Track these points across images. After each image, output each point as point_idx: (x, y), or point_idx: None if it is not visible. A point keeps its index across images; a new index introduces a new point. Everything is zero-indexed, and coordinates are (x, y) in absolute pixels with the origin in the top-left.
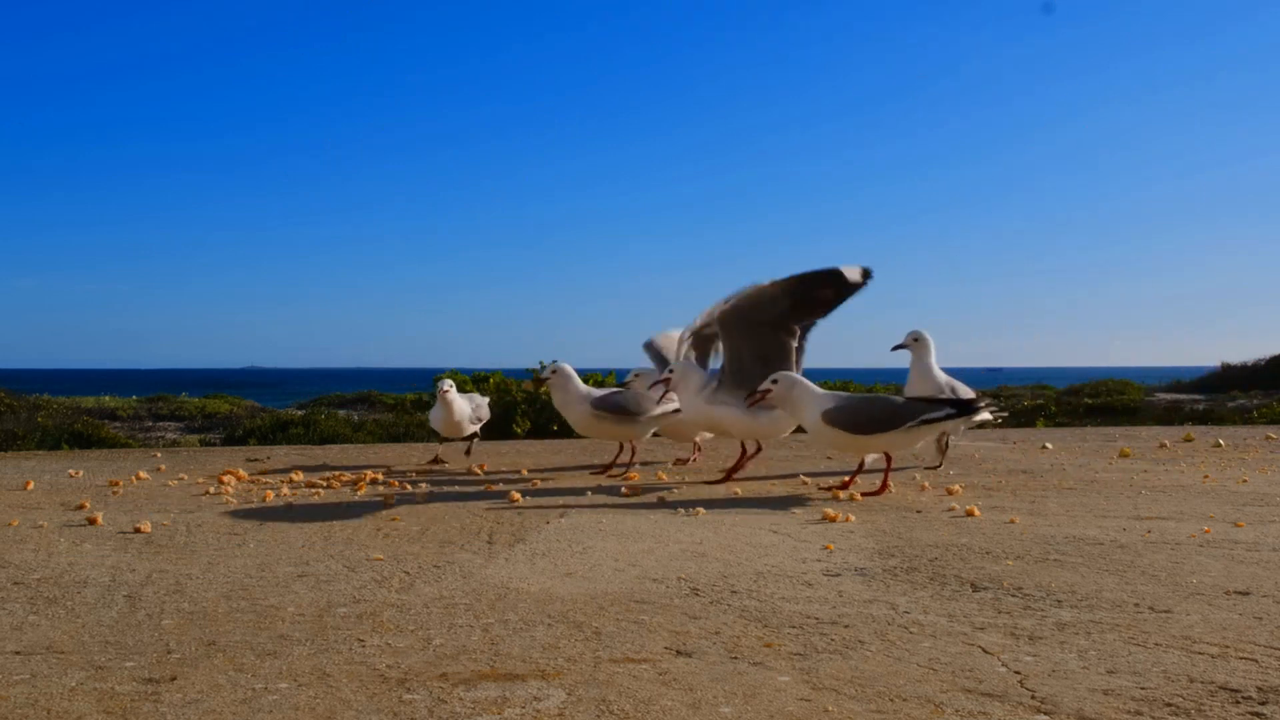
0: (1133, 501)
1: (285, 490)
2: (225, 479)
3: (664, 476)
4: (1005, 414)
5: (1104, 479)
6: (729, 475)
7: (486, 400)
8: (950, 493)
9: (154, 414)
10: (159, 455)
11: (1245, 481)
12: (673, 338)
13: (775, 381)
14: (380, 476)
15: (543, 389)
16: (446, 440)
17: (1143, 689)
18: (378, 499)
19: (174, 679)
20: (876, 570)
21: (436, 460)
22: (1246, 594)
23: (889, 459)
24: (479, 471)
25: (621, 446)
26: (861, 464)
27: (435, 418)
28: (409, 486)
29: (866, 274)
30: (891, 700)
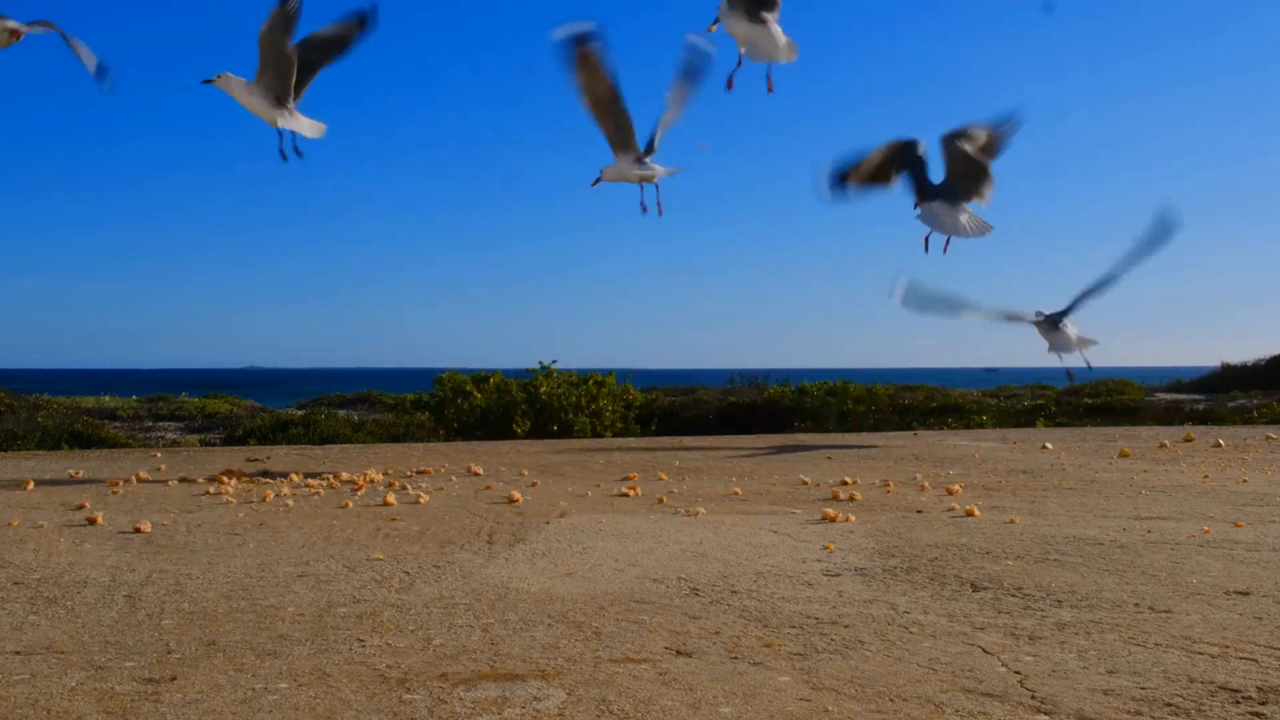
0: (1133, 501)
1: (285, 490)
2: (225, 479)
3: (664, 477)
4: None
5: (1104, 479)
6: None
7: None
8: (950, 493)
9: (154, 414)
10: (159, 455)
11: (1245, 481)
12: None
13: None
14: (380, 476)
15: None
16: None
17: (1143, 689)
18: (378, 499)
19: (174, 679)
20: (876, 570)
21: None
22: (1246, 594)
23: None
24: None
25: None
26: None
27: None
28: (409, 486)
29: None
30: (891, 700)
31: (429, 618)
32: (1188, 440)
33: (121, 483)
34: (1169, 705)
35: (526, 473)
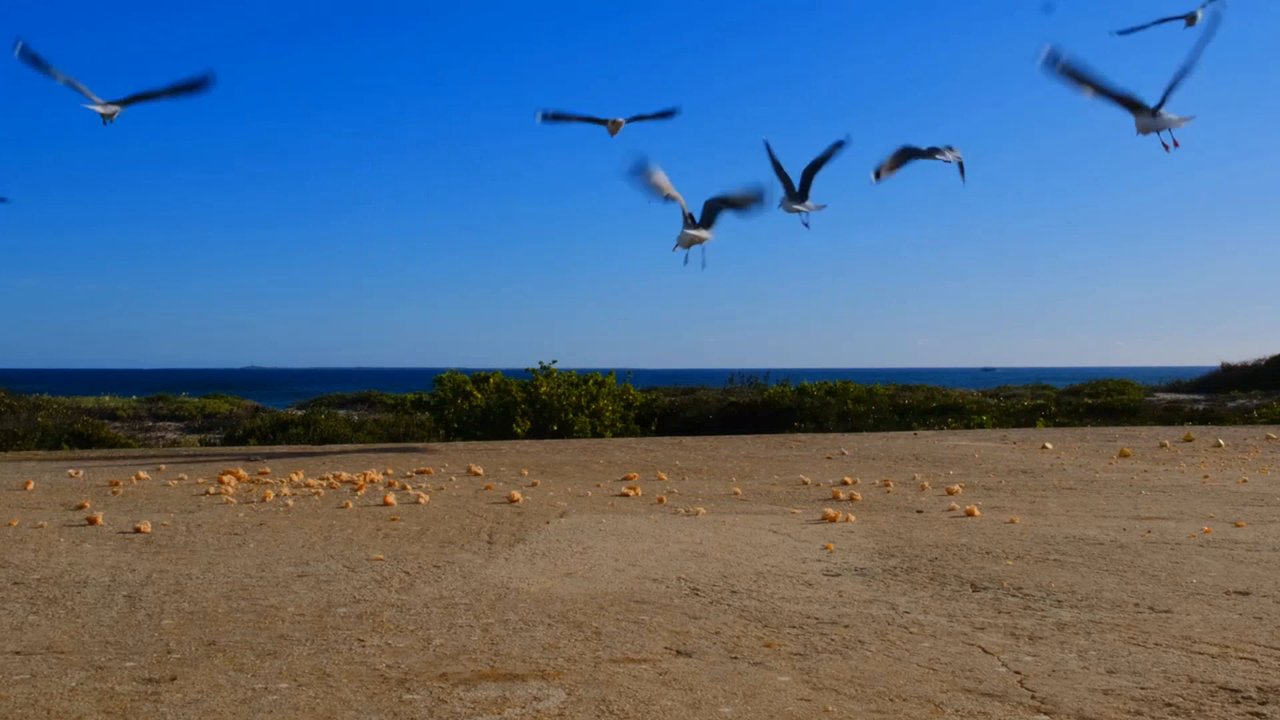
0: (1133, 501)
1: (285, 490)
2: (225, 479)
3: (664, 477)
4: None
5: (1104, 479)
6: None
7: None
8: (950, 493)
9: (154, 414)
10: (159, 455)
11: (1245, 481)
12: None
13: None
14: (380, 476)
15: None
16: None
17: (1143, 689)
18: (378, 499)
19: (174, 679)
20: (876, 570)
21: None
22: (1246, 594)
23: None
24: None
25: None
26: None
27: None
28: (409, 486)
29: None
30: (891, 700)
31: (429, 618)
32: (1188, 440)
33: (121, 483)
34: (1169, 705)
35: (526, 473)
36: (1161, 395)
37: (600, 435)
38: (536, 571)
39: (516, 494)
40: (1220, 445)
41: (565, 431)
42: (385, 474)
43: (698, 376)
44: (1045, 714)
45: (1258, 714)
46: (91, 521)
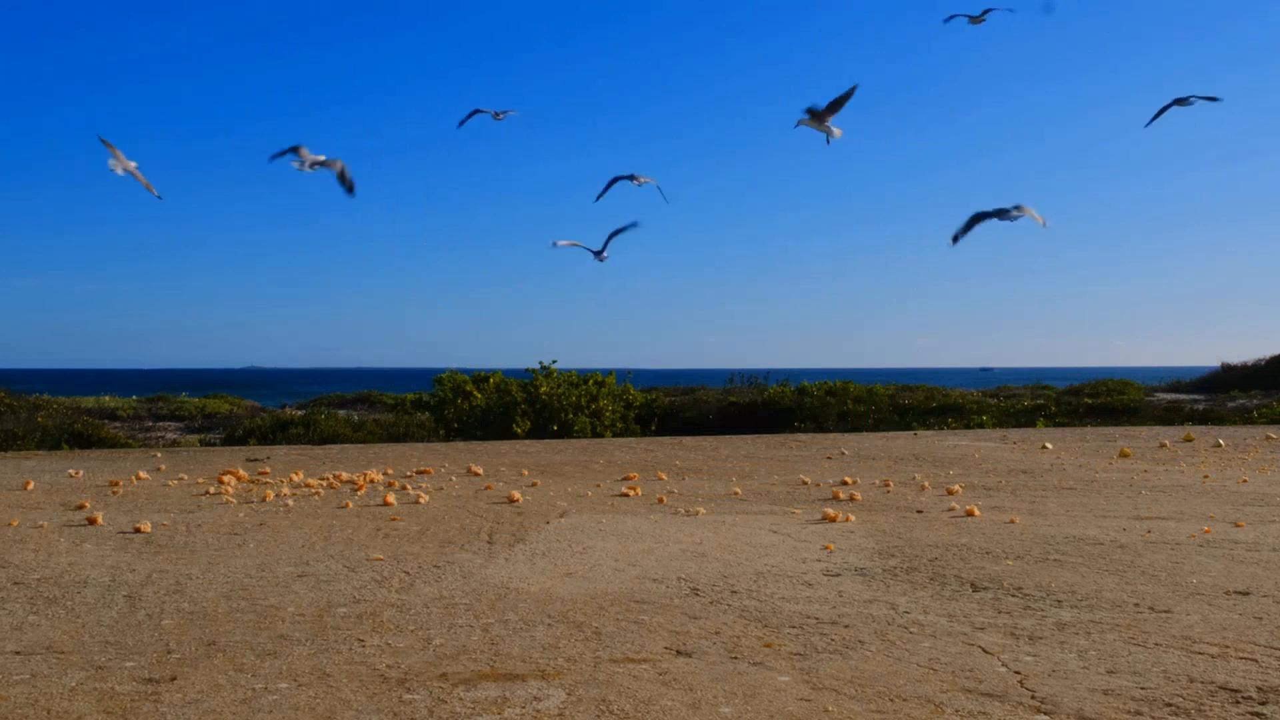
0: (1133, 501)
1: (285, 490)
2: (225, 479)
3: (664, 477)
4: None
5: (1104, 479)
6: None
7: None
8: (950, 493)
9: (154, 414)
10: (159, 455)
11: (1245, 481)
12: None
13: None
14: (380, 476)
15: None
16: None
17: (1143, 689)
18: (378, 499)
19: (174, 679)
20: (876, 570)
21: None
22: (1246, 594)
23: None
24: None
25: None
26: None
27: None
28: (409, 486)
29: None
30: (891, 700)
31: (429, 618)
32: (1188, 440)
33: (121, 483)
34: (1169, 705)
35: (526, 473)
36: (1161, 395)
37: (600, 435)
38: (536, 571)
39: (516, 494)
40: (1220, 445)
41: (565, 431)
42: (385, 474)
43: (698, 376)
44: (1045, 714)
45: (1258, 714)
46: (91, 521)
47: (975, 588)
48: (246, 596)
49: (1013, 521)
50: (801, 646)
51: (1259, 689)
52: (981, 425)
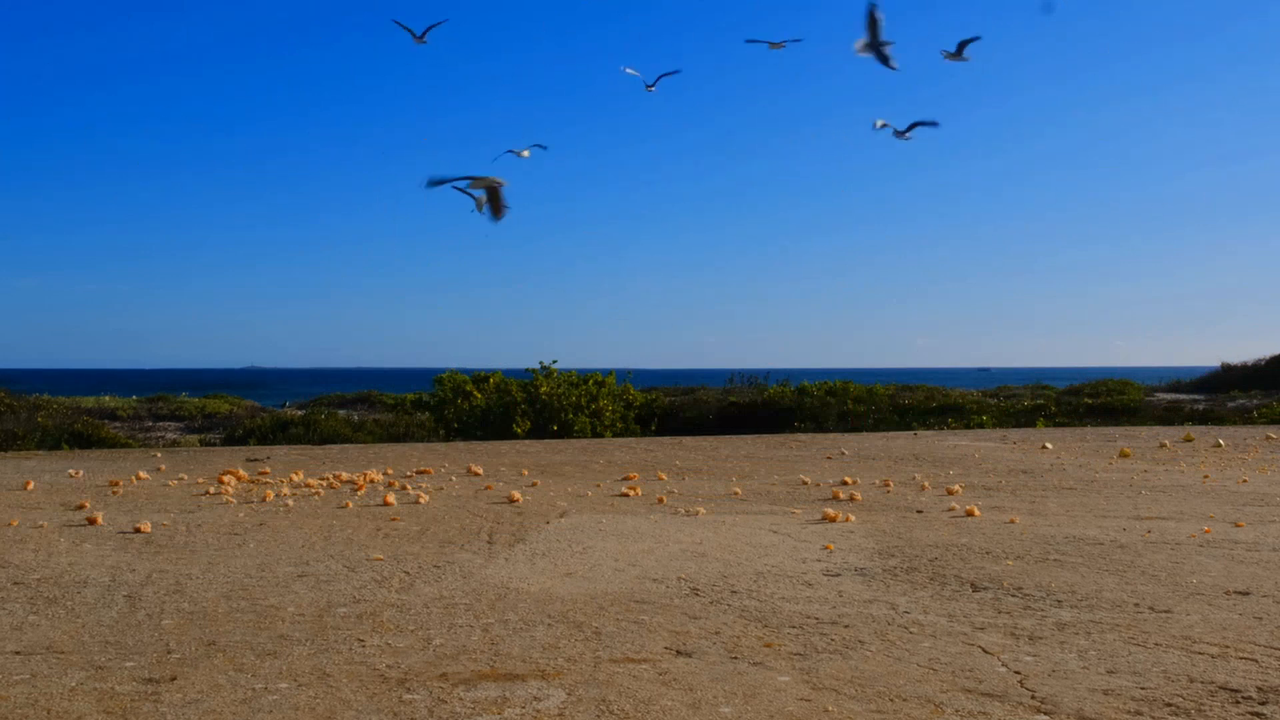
0: (1133, 501)
1: (285, 490)
2: (225, 479)
3: (664, 477)
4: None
5: (1104, 479)
6: None
7: None
8: (950, 493)
9: (154, 414)
10: (159, 455)
11: (1245, 481)
12: None
13: None
14: (380, 476)
15: None
16: None
17: (1143, 689)
18: (378, 499)
19: (174, 679)
20: (876, 570)
21: None
22: (1246, 594)
23: None
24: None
25: None
26: None
27: None
28: (409, 486)
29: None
30: (891, 700)
31: (429, 618)
32: (1188, 440)
33: (121, 483)
34: (1169, 705)
35: (526, 473)
36: (1161, 395)
37: (600, 435)
38: (536, 571)
39: (516, 494)
40: (1220, 445)
41: (565, 431)
42: (385, 474)
43: (698, 376)
44: (1045, 714)
45: (1258, 714)
46: (91, 521)
47: (975, 588)
48: (246, 596)
49: (1013, 521)
50: (801, 646)
51: (1259, 689)
52: (981, 425)
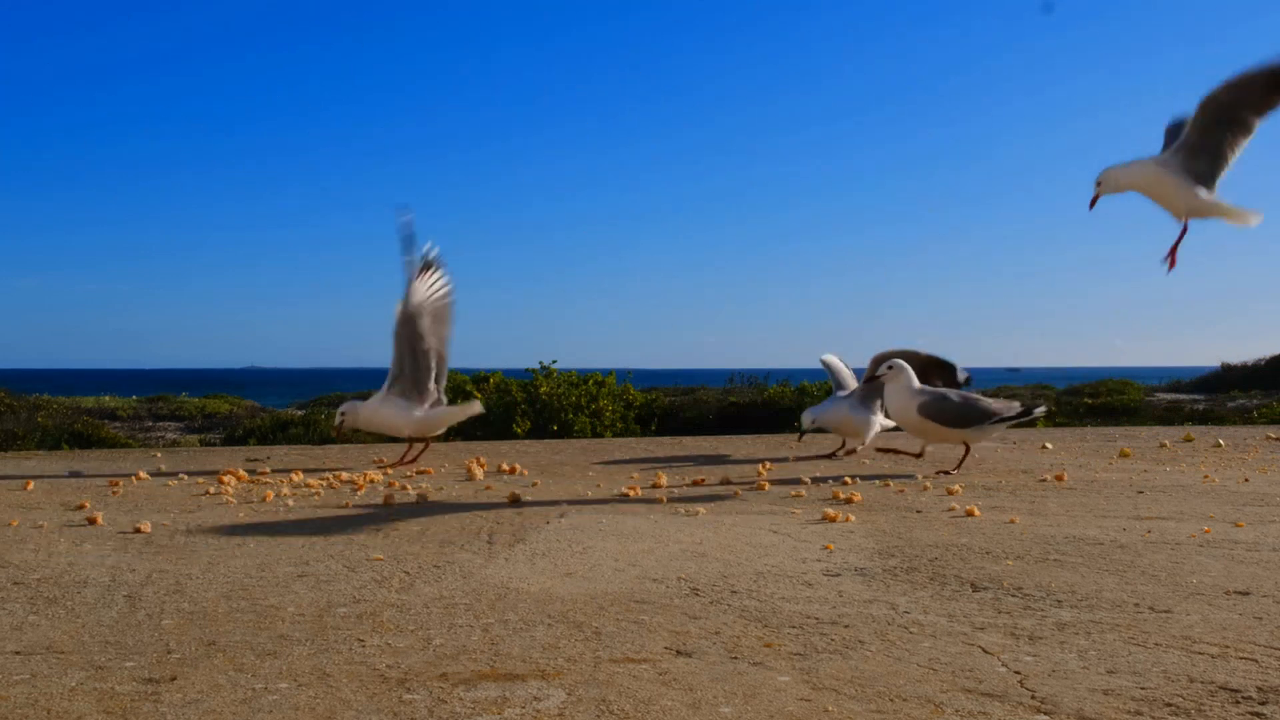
0: (1133, 501)
1: (285, 490)
2: (225, 479)
3: (663, 479)
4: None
5: (1104, 479)
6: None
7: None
8: (950, 493)
9: (154, 414)
10: (159, 455)
11: (1246, 481)
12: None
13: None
14: (380, 476)
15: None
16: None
17: (1143, 689)
18: (377, 499)
19: (174, 679)
20: (876, 570)
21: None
22: (1246, 594)
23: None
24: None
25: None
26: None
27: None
28: (409, 486)
29: None
30: (891, 700)
31: (429, 618)
32: (1188, 440)
33: (121, 483)
34: (1169, 705)
35: (526, 473)
36: (1161, 395)
37: (600, 435)
38: (536, 571)
39: (517, 494)
40: (1220, 445)
41: (565, 431)
42: (385, 474)
43: (698, 376)
44: (1045, 714)
45: (1258, 714)
46: (91, 521)
47: (975, 588)
48: (246, 596)
49: (1013, 521)
50: (801, 646)
51: (1259, 689)
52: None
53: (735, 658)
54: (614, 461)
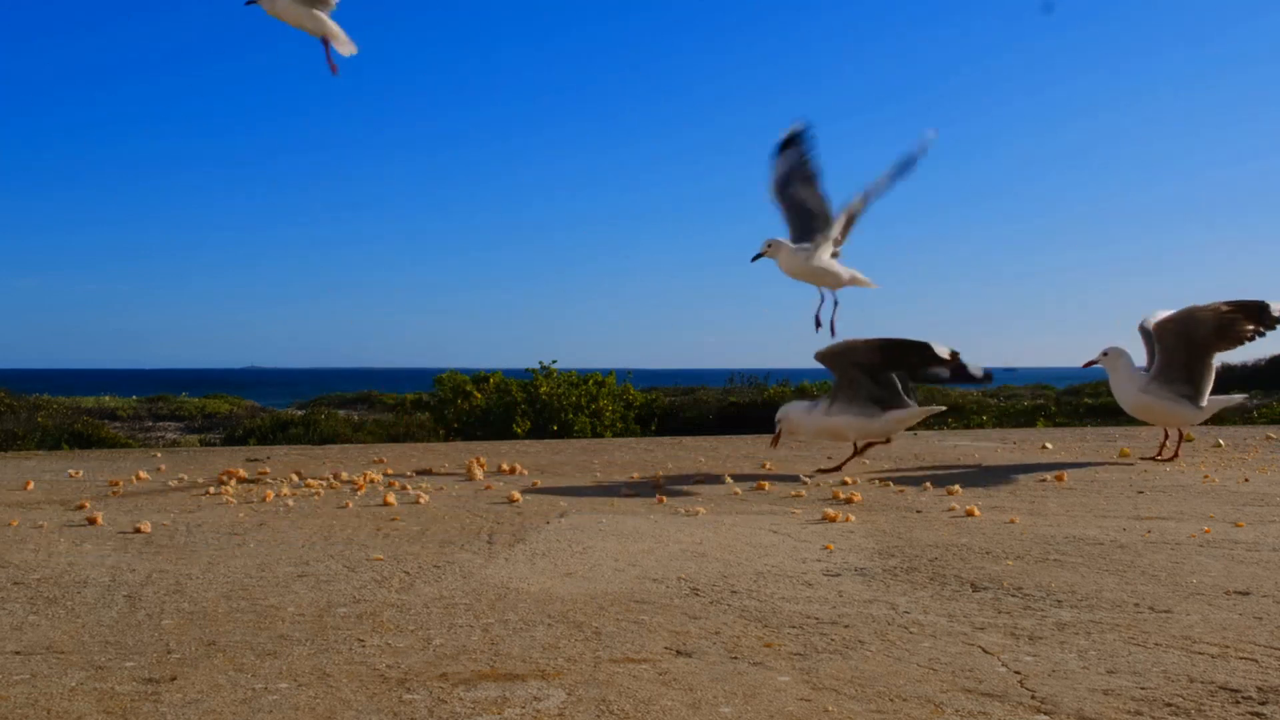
0: (1133, 501)
1: (285, 490)
2: (225, 479)
3: (663, 480)
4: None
5: (1104, 479)
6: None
7: None
8: (950, 493)
9: (154, 414)
10: (159, 455)
11: (1246, 481)
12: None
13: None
14: (380, 476)
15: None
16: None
17: (1143, 689)
18: (377, 499)
19: (174, 679)
20: (876, 570)
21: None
22: (1246, 594)
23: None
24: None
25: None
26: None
27: None
28: (409, 487)
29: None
30: (891, 700)
31: (429, 618)
32: (1188, 440)
33: (121, 483)
34: (1169, 705)
35: (526, 473)
36: None
37: (600, 435)
38: (536, 571)
39: (516, 494)
40: (1220, 445)
41: (565, 431)
42: (385, 474)
43: (698, 376)
44: (1045, 714)
45: (1258, 714)
46: (91, 521)
47: (975, 588)
48: (246, 596)
49: (1013, 521)
50: (801, 646)
51: (1259, 689)
52: (981, 425)
53: (735, 658)
54: (614, 461)
